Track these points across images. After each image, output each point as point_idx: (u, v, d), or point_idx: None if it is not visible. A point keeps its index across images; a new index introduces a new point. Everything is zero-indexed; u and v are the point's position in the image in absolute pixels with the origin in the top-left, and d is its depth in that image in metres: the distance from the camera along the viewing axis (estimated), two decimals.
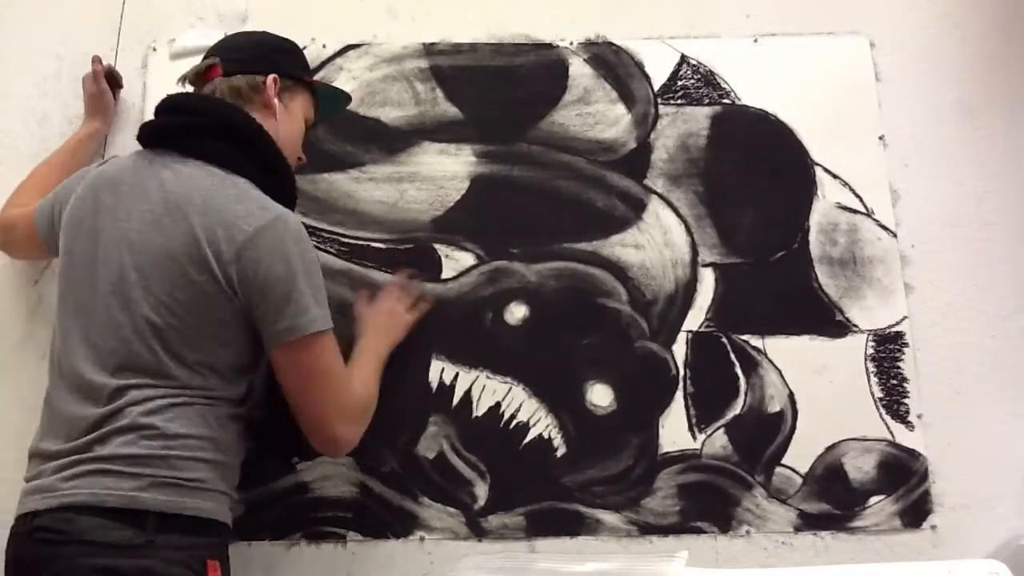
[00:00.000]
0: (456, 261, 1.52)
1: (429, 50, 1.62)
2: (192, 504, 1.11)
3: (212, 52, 1.33)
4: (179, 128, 1.23)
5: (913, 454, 1.45)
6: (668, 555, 1.19)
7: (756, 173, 1.56)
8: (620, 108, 1.59)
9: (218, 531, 1.17)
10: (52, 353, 1.21)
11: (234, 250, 1.13)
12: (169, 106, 1.27)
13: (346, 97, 1.49)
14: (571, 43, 1.62)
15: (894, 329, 1.50)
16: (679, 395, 1.47)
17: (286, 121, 1.29)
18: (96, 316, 1.16)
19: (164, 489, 1.09)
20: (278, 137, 1.26)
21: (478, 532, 1.41)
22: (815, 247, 1.53)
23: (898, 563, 1.34)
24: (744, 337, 1.49)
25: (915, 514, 1.43)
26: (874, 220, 1.55)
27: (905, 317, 1.50)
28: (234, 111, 1.24)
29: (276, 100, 1.28)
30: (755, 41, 1.63)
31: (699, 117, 1.59)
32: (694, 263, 1.52)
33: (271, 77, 1.28)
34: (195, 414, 1.14)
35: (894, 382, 1.48)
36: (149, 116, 1.57)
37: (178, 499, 1.10)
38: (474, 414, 1.46)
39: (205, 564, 1.11)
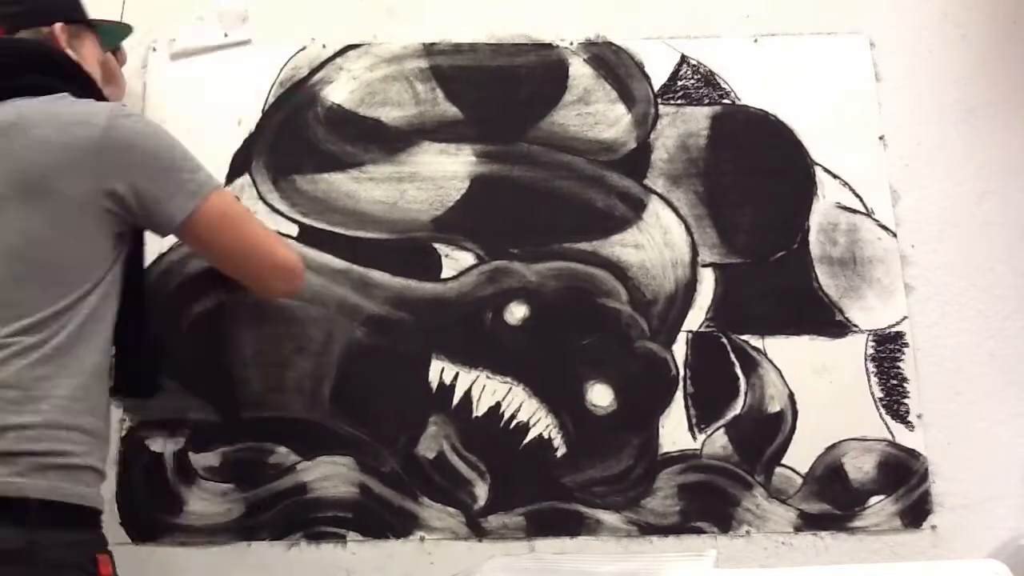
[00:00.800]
0: (456, 261, 1.52)
1: (429, 50, 1.62)
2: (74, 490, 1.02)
3: None
4: None
5: (913, 454, 1.45)
6: (696, 554, 1.18)
7: (756, 173, 1.56)
8: (620, 108, 1.59)
9: (98, 520, 1.09)
10: None
11: (95, 142, 1.09)
12: None
13: (126, 27, 1.45)
14: (571, 43, 1.62)
15: (894, 329, 1.50)
16: (679, 395, 1.47)
17: (86, 65, 1.26)
18: None
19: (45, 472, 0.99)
20: None
21: (478, 532, 1.41)
22: (815, 247, 1.53)
23: (900, 563, 1.34)
24: (744, 337, 1.49)
25: (915, 514, 1.43)
26: (874, 220, 1.55)
27: (905, 317, 1.50)
28: (18, 41, 1.21)
29: (70, 50, 1.24)
30: (755, 41, 1.63)
31: (699, 117, 1.59)
32: (694, 263, 1.52)
33: (58, 26, 1.24)
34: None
35: (894, 382, 1.48)
36: (149, 117, 1.58)
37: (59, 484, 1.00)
38: (474, 414, 1.46)
39: (95, 560, 1.03)
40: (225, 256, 1.20)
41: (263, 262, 1.22)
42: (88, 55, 1.30)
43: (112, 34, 1.42)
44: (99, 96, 1.23)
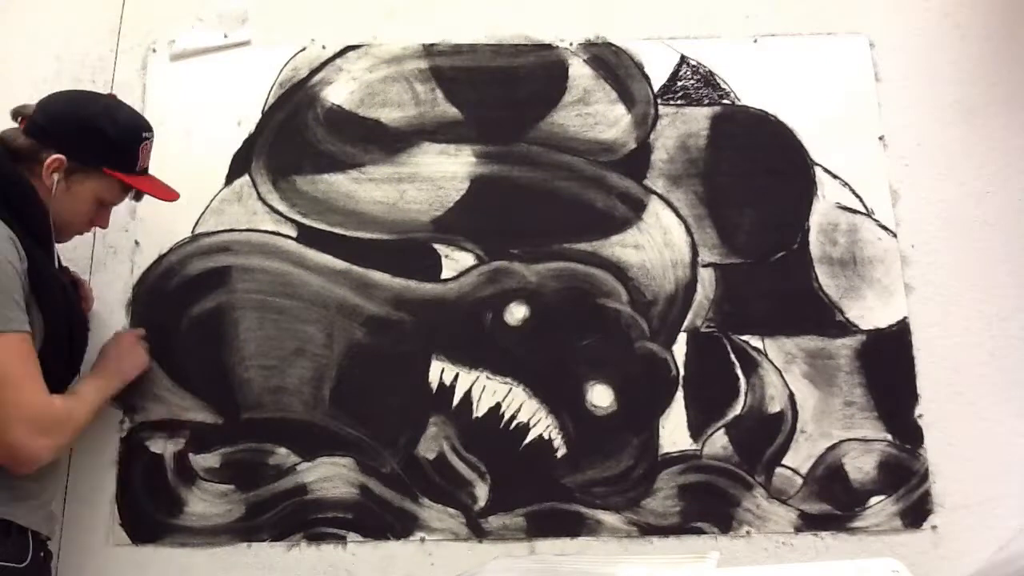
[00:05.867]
0: (456, 261, 1.52)
1: (429, 51, 1.62)
2: None
3: (40, 102, 1.31)
4: None
5: (913, 454, 1.45)
6: (698, 555, 1.18)
7: (756, 173, 1.56)
8: (620, 108, 1.59)
9: None
10: None
11: None
12: None
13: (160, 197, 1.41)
14: (571, 44, 1.62)
15: (894, 329, 1.50)
16: (679, 395, 1.47)
17: (65, 199, 1.28)
18: None
19: None
20: (50, 206, 1.26)
21: (478, 533, 1.41)
22: (815, 247, 1.53)
23: (804, 564, 1.34)
24: (744, 337, 1.49)
25: (915, 514, 1.43)
26: (874, 220, 1.55)
27: (905, 317, 1.50)
28: None
29: (54, 177, 1.26)
30: (755, 41, 1.63)
31: (699, 117, 1.59)
32: (694, 263, 1.52)
33: (52, 157, 1.25)
34: None
35: (894, 382, 1.48)
36: (149, 118, 1.57)
37: None
38: (474, 415, 1.46)
39: None
40: None
41: None
42: (81, 193, 1.30)
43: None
44: (38, 222, 1.24)
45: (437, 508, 1.42)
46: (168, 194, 1.39)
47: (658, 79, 1.61)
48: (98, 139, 1.29)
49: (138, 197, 1.38)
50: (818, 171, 1.57)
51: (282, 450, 1.44)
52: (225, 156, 1.56)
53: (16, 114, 1.31)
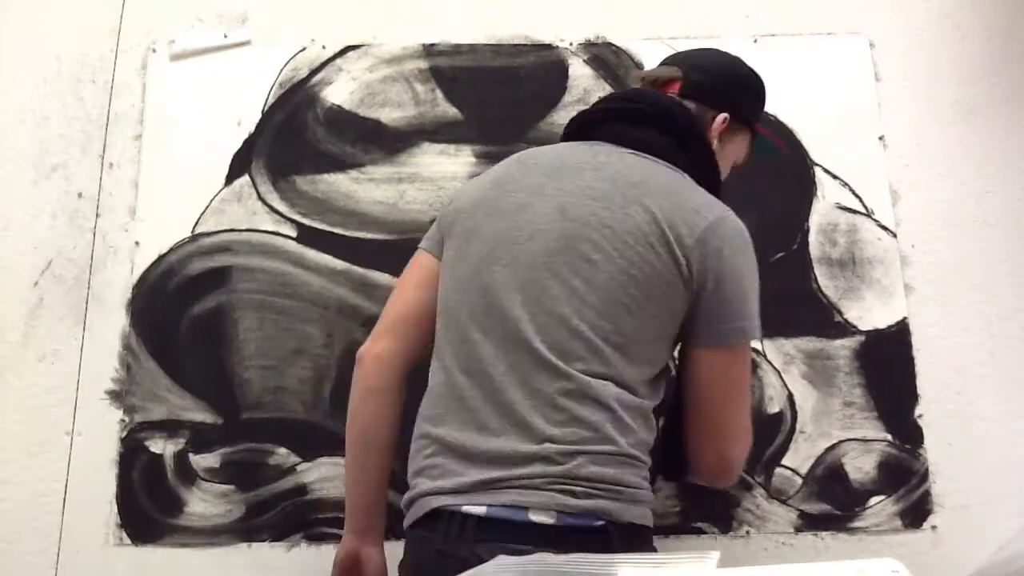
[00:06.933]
0: None
1: (429, 51, 1.62)
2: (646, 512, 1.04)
3: (678, 62, 1.26)
4: (624, 112, 1.17)
5: (913, 454, 1.45)
6: (699, 555, 1.17)
7: (756, 173, 1.56)
8: None
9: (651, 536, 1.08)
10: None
11: (696, 235, 1.05)
12: (614, 97, 1.23)
13: (772, 148, 1.39)
14: (571, 44, 1.62)
15: (894, 329, 1.50)
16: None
17: (719, 162, 1.22)
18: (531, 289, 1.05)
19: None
20: None
21: None
22: (815, 248, 1.53)
23: (809, 563, 1.33)
24: None
25: (915, 514, 1.43)
26: (874, 220, 1.55)
27: (905, 317, 1.50)
28: (681, 109, 1.18)
29: (716, 140, 1.21)
30: (755, 41, 1.63)
31: None
32: None
33: (721, 116, 1.21)
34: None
35: (894, 383, 1.48)
36: (149, 118, 1.59)
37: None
38: None
39: None
40: (700, 400, 1.11)
41: (714, 441, 1.12)
42: (730, 153, 1.26)
43: (764, 147, 1.36)
44: (715, 182, 1.19)
45: None
46: (784, 145, 1.38)
47: None
48: (755, 95, 1.28)
49: (746, 159, 1.31)
50: (818, 171, 1.57)
51: (282, 450, 1.44)
52: (225, 156, 1.56)
53: (656, 79, 1.25)
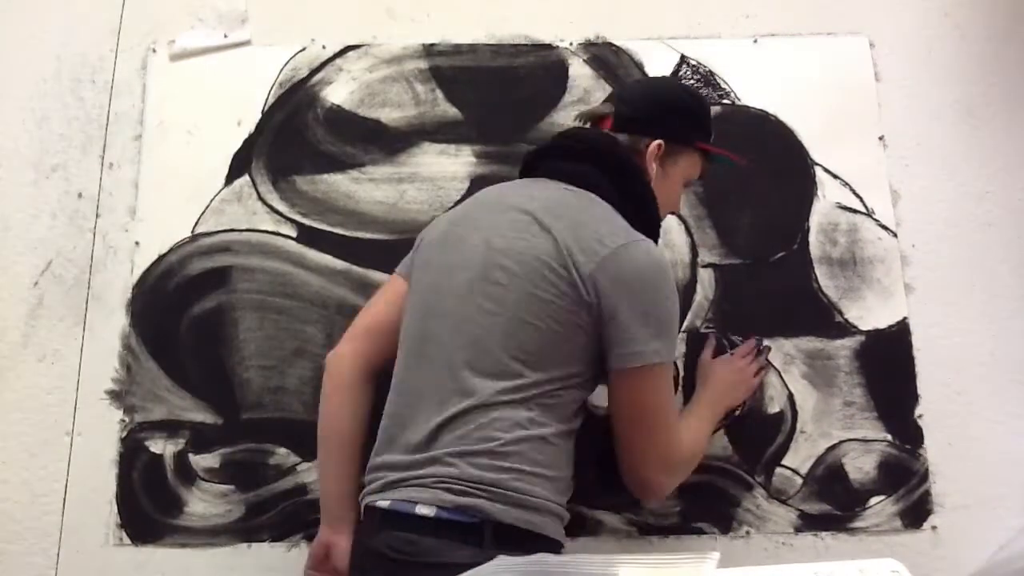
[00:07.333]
0: None
1: (429, 51, 1.62)
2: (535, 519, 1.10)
3: (611, 98, 1.35)
4: (560, 150, 1.27)
5: (913, 454, 1.45)
6: (699, 555, 1.18)
7: (756, 173, 1.56)
8: None
9: (551, 547, 1.13)
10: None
11: (595, 262, 1.11)
12: (558, 135, 1.32)
13: (728, 162, 1.40)
14: (571, 44, 1.62)
15: (894, 329, 1.50)
16: (679, 396, 1.46)
17: (661, 185, 1.27)
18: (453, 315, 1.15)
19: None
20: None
21: None
22: (815, 247, 1.53)
23: (809, 564, 1.33)
24: (743, 338, 1.49)
25: (915, 514, 1.43)
26: (874, 220, 1.55)
27: (905, 317, 1.50)
28: (606, 142, 1.25)
29: (653, 165, 1.26)
30: (755, 41, 1.63)
31: None
32: (694, 264, 1.52)
33: (655, 143, 1.26)
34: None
35: (894, 382, 1.48)
36: (149, 118, 1.59)
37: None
38: None
39: None
40: (616, 421, 1.20)
41: (631, 463, 1.21)
42: (675, 174, 1.30)
43: (721, 160, 1.38)
44: (646, 214, 1.23)
45: None
46: (739, 158, 1.40)
47: None
48: (687, 116, 1.31)
49: (701, 174, 1.36)
50: (818, 171, 1.57)
51: (282, 450, 1.44)
52: (225, 156, 1.56)
53: (591, 116, 1.33)
